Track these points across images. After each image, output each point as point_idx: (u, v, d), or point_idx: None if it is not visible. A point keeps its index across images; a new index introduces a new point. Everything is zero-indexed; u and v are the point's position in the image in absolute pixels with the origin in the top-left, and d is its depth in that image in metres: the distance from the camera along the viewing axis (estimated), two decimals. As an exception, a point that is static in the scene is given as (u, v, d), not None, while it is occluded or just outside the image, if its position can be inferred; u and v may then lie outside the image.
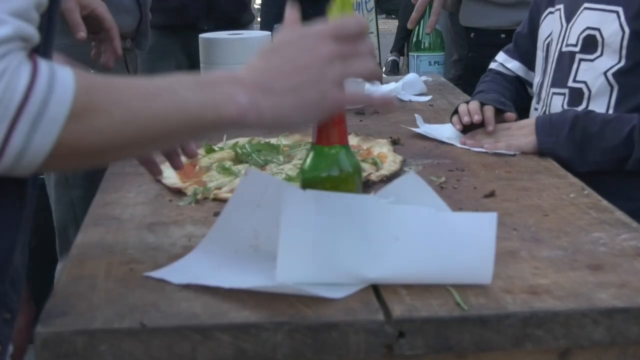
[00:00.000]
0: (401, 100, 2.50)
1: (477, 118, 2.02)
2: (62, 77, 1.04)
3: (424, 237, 1.22)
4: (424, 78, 2.73)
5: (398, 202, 1.29)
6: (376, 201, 1.24)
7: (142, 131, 1.10)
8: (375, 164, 1.80)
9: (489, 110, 2.04)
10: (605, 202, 1.60)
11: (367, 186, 1.64)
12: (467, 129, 2.05)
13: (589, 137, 1.91)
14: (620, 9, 1.97)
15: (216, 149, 1.90)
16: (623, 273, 1.28)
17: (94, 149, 1.08)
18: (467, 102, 2.10)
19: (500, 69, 2.37)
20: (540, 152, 1.93)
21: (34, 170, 1.07)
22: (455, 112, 2.10)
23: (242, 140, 1.93)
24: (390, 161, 1.82)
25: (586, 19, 2.04)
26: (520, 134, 1.98)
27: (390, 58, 7.51)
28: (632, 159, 1.88)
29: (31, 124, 1.02)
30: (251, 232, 1.28)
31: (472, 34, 3.25)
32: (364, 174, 1.69)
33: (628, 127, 1.89)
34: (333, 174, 1.28)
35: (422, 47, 2.99)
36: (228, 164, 1.80)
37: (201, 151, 1.87)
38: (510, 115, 2.06)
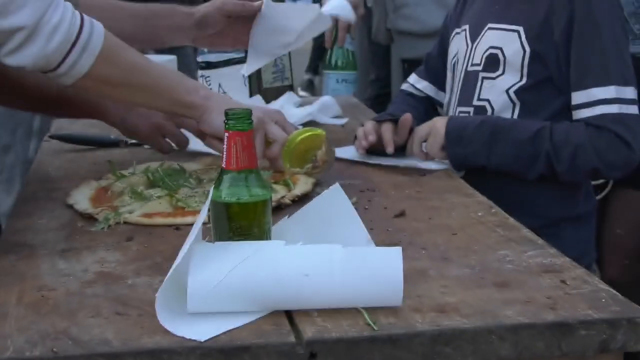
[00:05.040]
0: (318, 123, 2.52)
1: (370, 138, 2.06)
2: (98, 26, 1.61)
3: (333, 272, 1.23)
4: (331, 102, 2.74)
5: (317, 219, 1.31)
6: (283, 245, 1.25)
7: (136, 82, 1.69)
8: (287, 185, 1.81)
9: (387, 131, 2.07)
10: (512, 220, 1.64)
11: (280, 208, 1.66)
12: (371, 150, 2.08)
13: (499, 129, 1.96)
14: (521, 29, 2.02)
15: (127, 174, 1.90)
16: (528, 290, 1.31)
17: (107, 81, 1.65)
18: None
19: (411, 89, 2.40)
20: (448, 144, 1.97)
21: (73, 82, 1.61)
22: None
23: (153, 165, 1.93)
24: (302, 182, 1.83)
25: (489, 38, 2.08)
26: (432, 137, 2.02)
27: (306, 77, 7.58)
28: (538, 162, 1.92)
29: (81, 50, 1.57)
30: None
31: (405, 65, 3.29)
32: (277, 196, 1.70)
33: (539, 125, 1.94)
34: (242, 198, 1.29)
35: (334, 65, 3.02)
36: (140, 188, 1.79)
37: (112, 176, 1.87)
38: (406, 116, 2.08)
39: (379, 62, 4.80)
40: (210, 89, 2.30)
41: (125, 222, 1.63)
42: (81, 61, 1.58)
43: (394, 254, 1.24)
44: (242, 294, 1.22)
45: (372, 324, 1.19)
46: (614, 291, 1.30)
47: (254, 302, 1.22)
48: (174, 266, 1.24)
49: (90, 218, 1.66)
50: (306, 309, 1.23)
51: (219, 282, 1.21)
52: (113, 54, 1.63)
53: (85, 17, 1.60)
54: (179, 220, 1.63)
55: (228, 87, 2.53)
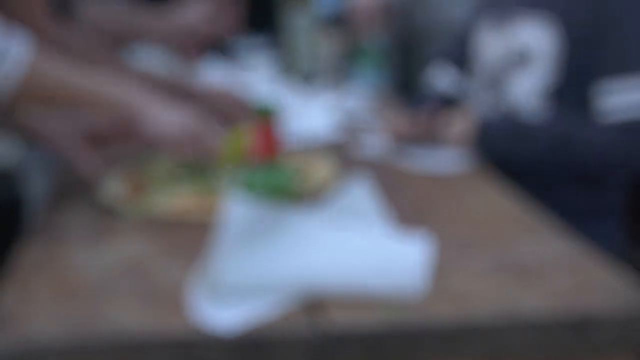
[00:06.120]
0: (345, 117, 2.53)
1: (397, 127, 2.09)
2: (17, 54, 1.57)
3: (356, 257, 1.25)
4: (360, 96, 2.76)
5: (339, 212, 1.32)
6: (315, 222, 1.27)
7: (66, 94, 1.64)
8: (310, 177, 1.82)
9: (413, 120, 2.09)
10: (534, 212, 1.64)
11: (302, 199, 1.67)
12: (399, 138, 2.10)
13: (523, 128, 1.97)
14: (553, 22, 2.02)
15: (155, 166, 1.92)
16: (549, 282, 1.32)
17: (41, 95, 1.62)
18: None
19: (434, 83, 2.41)
20: (470, 144, 1.98)
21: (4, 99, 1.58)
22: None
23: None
24: (326, 175, 1.84)
25: (518, 31, 2.09)
26: (454, 135, 2.03)
27: (334, 69, 7.56)
28: (564, 160, 1.93)
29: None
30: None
31: (432, 59, 3.28)
32: (299, 186, 1.71)
33: (564, 122, 1.94)
34: (265, 189, 1.30)
35: (364, 58, 3.02)
36: (168, 180, 1.81)
37: (141, 168, 1.89)
38: (430, 107, 2.10)
39: (407, 56, 4.81)
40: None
41: (153, 214, 1.65)
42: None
43: (419, 244, 1.25)
44: (274, 270, 1.24)
45: (392, 317, 1.21)
46: (635, 287, 1.31)
47: (282, 280, 1.25)
48: (207, 257, 1.25)
49: (118, 209, 1.68)
50: (326, 290, 1.25)
51: (252, 258, 1.22)
52: (33, 76, 1.60)
53: (10, 40, 1.59)
54: (207, 210, 1.65)
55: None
